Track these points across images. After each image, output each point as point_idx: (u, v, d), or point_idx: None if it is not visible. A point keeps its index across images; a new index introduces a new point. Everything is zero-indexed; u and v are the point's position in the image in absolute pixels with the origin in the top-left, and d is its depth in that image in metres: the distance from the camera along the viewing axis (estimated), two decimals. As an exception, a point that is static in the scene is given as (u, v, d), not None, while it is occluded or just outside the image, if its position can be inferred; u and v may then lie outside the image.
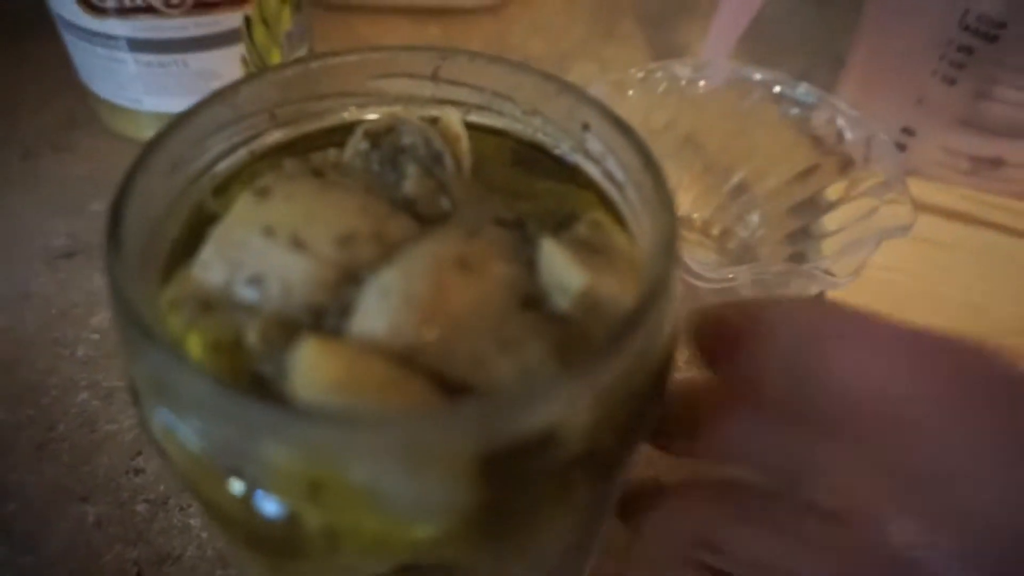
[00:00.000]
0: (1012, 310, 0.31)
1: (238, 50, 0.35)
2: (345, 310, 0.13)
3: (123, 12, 0.32)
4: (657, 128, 0.32)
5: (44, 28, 0.44)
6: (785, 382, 0.15)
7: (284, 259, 0.14)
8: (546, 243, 0.15)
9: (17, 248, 0.33)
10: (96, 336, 0.30)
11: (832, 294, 0.31)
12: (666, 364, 0.15)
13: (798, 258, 0.30)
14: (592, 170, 0.18)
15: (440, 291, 0.14)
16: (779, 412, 0.15)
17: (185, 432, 0.13)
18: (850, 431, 0.14)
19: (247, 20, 0.34)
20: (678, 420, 0.17)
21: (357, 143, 0.17)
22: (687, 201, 0.34)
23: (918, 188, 0.35)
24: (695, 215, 0.34)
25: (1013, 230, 0.34)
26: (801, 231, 0.31)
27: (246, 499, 0.13)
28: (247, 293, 0.14)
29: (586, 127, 0.18)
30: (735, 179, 0.33)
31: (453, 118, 0.18)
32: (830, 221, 0.29)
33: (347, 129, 0.18)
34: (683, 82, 0.31)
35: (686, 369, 0.17)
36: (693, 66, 0.32)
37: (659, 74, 0.31)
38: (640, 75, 0.31)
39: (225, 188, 0.17)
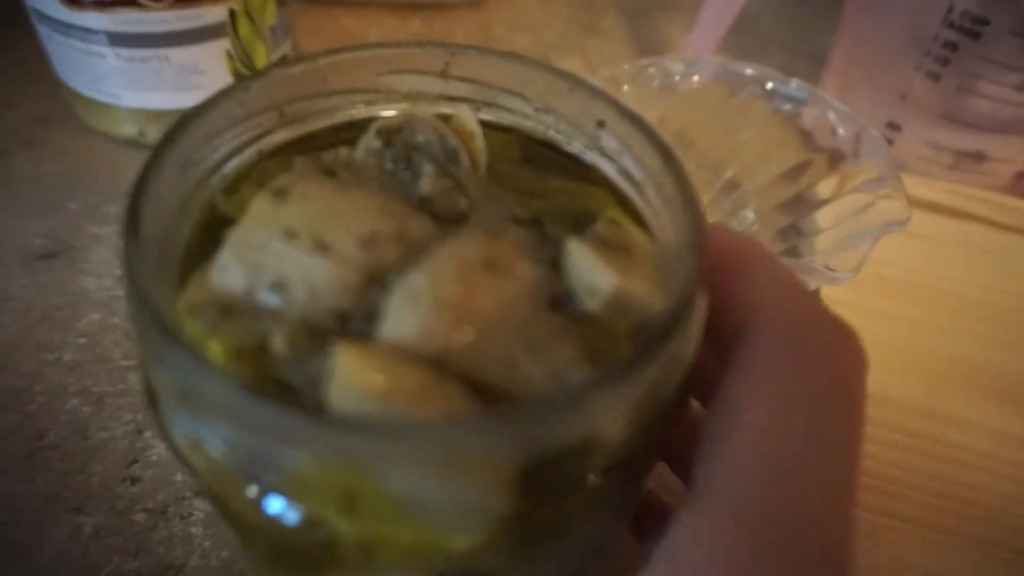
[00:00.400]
0: (999, 300, 0.31)
1: (222, 44, 0.34)
2: (371, 314, 0.13)
3: (103, 5, 0.31)
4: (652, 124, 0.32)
5: (10, 19, 0.42)
6: None
7: (308, 262, 0.13)
8: (572, 244, 0.15)
9: (-7, 250, 0.32)
10: (83, 340, 0.29)
11: (827, 289, 0.32)
12: (692, 369, 0.15)
13: (791, 253, 0.30)
14: (607, 168, 0.18)
15: (469, 293, 0.14)
16: None
17: (212, 441, 0.13)
18: None
19: (232, 14, 0.33)
20: None
21: (370, 141, 0.17)
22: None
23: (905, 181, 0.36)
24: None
25: (996, 223, 0.34)
26: (792, 227, 0.31)
27: (276, 510, 0.13)
28: (270, 298, 0.13)
29: (601, 124, 0.18)
30: (726, 175, 0.33)
31: (467, 115, 0.18)
32: (823, 217, 0.29)
33: (357, 127, 0.18)
34: (676, 78, 0.31)
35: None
36: (685, 62, 0.32)
37: (652, 69, 0.31)
38: (633, 71, 0.31)
39: (235, 188, 0.17)
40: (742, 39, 0.46)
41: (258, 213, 0.15)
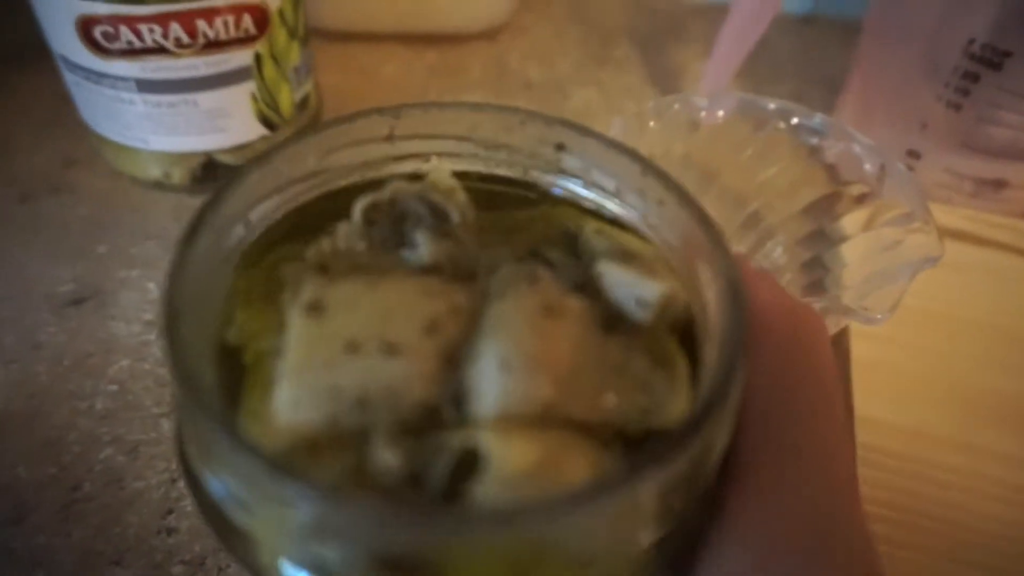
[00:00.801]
0: (1021, 327, 0.31)
1: (247, 87, 0.34)
2: (458, 397, 0.13)
3: (132, 53, 0.31)
4: (675, 159, 0.32)
5: (33, 62, 0.43)
6: None
7: (384, 368, 0.13)
8: (606, 265, 0.16)
9: (22, 296, 0.32)
10: (114, 387, 0.29)
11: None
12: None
13: (816, 286, 0.30)
14: (572, 185, 0.19)
15: (547, 344, 0.14)
16: None
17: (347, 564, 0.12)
18: None
19: (258, 57, 0.34)
20: None
21: (357, 223, 0.16)
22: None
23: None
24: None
25: (1017, 249, 0.34)
26: (817, 260, 0.32)
27: None
28: (355, 417, 0.13)
29: (560, 147, 0.18)
30: (750, 208, 0.33)
31: (442, 172, 0.18)
32: (850, 252, 0.29)
33: (315, 213, 0.17)
34: (701, 113, 0.32)
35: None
36: (709, 97, 0.32)
37: (677, 106, 0.32)
38: (658, 107, 0.32)
39: (229, 315, 0.16)
40: (754, 65, 0.46)
41: (305, 336, 0.14)
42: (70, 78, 0.34)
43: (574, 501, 0.11)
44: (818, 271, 0.31)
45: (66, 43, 0.31)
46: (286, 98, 0.36)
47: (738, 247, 0.34)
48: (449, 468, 0.12)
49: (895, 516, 0.25)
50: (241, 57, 0.33)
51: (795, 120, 0.31)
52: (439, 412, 0.13)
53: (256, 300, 0.16)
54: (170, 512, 0.26)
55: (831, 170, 0.31)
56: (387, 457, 0.12)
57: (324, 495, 0.11)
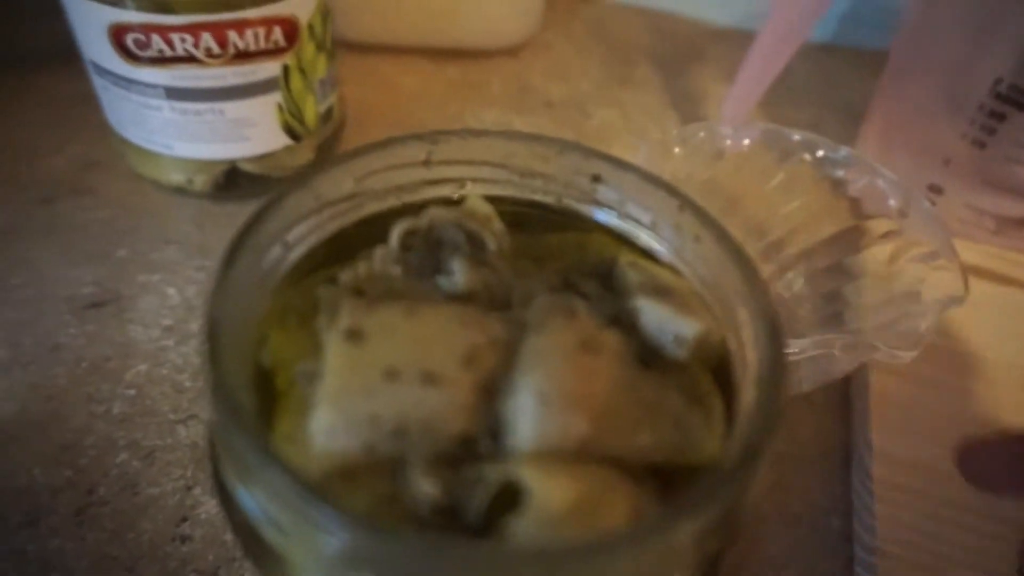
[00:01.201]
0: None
1: (273, 98, 0.34)
2: (495, 430, 0.13)
3: (162, 61, 0.31)
4: (698, 185, 0.32)
5: (56, 66, 0.43)
6: None
7: (422, 397, 0.13)
8: (643, 302, 0.16)
9: (42, 298, 0.32)
10: (131, 392, 0.29)
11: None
12: None
13: (835, 320, 0.30)
14: (603, 216, 0.19)
15: (584, 379, 0.14)
16: None
17: None
18: None
19: (285, 69, 0.34)
20: None
21: (393, 248, 0.17)
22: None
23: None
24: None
25: (1039, 288, 0.34)
26: (835, 293, 0.32)
27: None
28: (392, 446, 0.13)
29: (596, 179, 0.18)
30: (771, 237, 0.33)
31: (478, 199, 0.18)
32: (872, 287, 0.29)
33: (350, 237, 0.17)
34: (727, 141, 0.32)
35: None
36: (735, 127, 0.32)
37: (702, 134, 0.32)
38: (683, 135, 0.32)
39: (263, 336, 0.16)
40: (774, 91, 0.46)
41: (343, 362, 0.14)
42: (99, 83, 0.34)
43: (617, 543, 0.11)
44: (837, 304, 0.31)
45: (97, 49, 0.32)
46: (311, 109, 0.36)
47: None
48: (487, 501, 0.12)
49: (910, 556, 0.25)
50: (269, 68, 0.33)
51: (820, 152, 0.31)
52: (475, 444, 0.13)
53: (291, 322, 0.16)
54: (184, 520, 0.26)
55: (855, 204, 0.31)
56: (425, 487, 0.12)
57: (363, 524, 0.11)
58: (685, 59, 0.53)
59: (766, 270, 0.33)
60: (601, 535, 0.11)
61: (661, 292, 0.16)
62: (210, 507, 0.26)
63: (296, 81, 0.35)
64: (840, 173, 0.31)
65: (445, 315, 0.15)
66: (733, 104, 0.42)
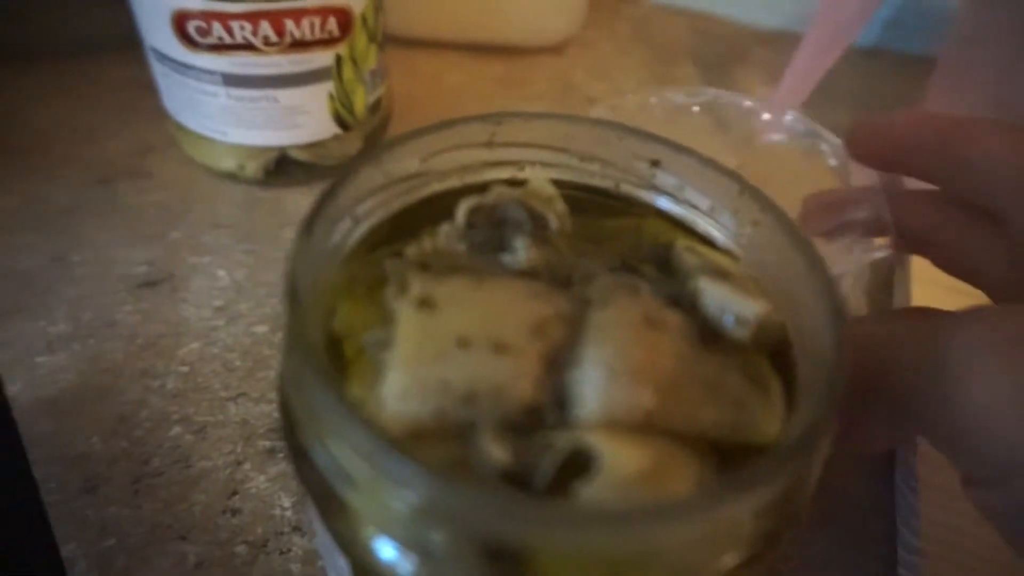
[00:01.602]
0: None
1: (325, 87, 0.35)
2: (561, 401, 0.14)
3: (221, 48, 0.32)
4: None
5: (118, 53, 0.44)
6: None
7: (492, 365, 0.13)
8: (705, 283, 0.16)
9: (100, 275, 0.33)
10: (185, 369, 0.30)
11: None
12: None
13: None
14: (661, 201, 0.19)
15: (650, 354, 0.14)
16: None
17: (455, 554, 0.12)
18: None
19: (338, 59, 0.34)
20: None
21: (459, 225, 0.17)
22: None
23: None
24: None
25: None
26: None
27: None
28: (463, 411, 0.13)
29: (655, 163, 0.19)
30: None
31: (542, 179, 0.18)
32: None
33: (413, 214, 0.18)
34: (677, 108, 0.32)
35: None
36: (687, 92, 0.33)
37: (653, 99, 0.32)
38: (635, 101, 0.32)
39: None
40: (815, 94, 0.46)
41: (416, 329, 0.14)
42: (158, 69, 0.35)
43: (688, 508, 0.11)
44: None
45: (159, 35, 0.33)
46: (360, 100, 0.37)
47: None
48: (555, 467, 0.13)
49: (954, 557, 0.25)
50: (323, 58, 0.34)
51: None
52: (542, 413, 0.14)
53: (359, 293, 0.16)
54: (235, 493, 0.26)
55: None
56: (494, 452, 0.13)
57: (444, 478, 0.11)
58: (728, 61, 0.53)
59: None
60: (674, 500, 0.11)
61: (721, 275, 0.16)
62: (259, 482, 0.27)
63: (348, 71, 0.35)
64: (784, 136, 0.32)
65: (513, 287, 0.15)
66: (776, 107, 0.42)
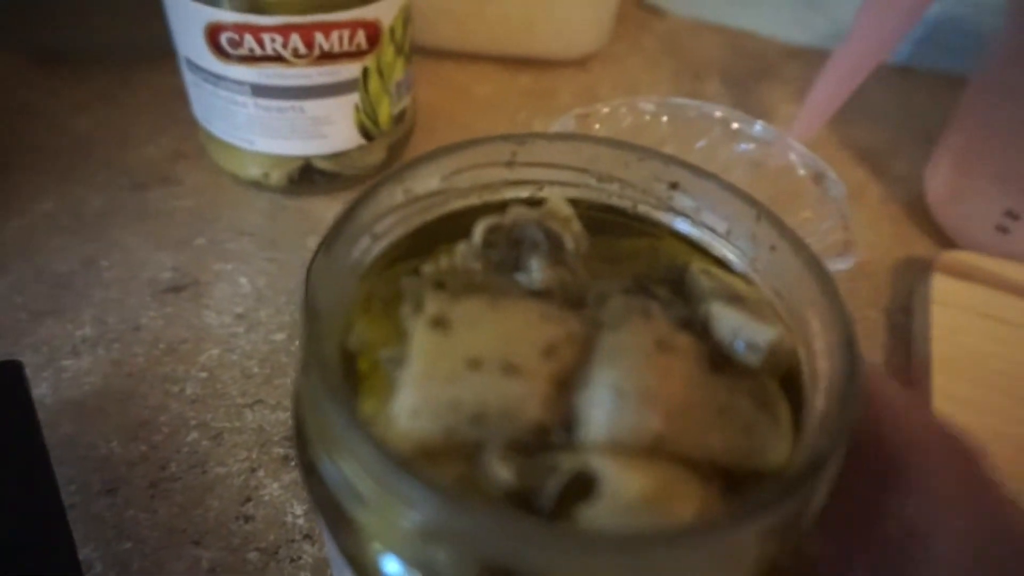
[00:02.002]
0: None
1: (351, 99, 0.35)
2: (568, 422, 0.13)
3: (252, 60, 0.33)
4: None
5: (152, 62, 0.45)
6: None
7: (502, 386, 0.13)
8: (718, 308, 0.16)
9: (128, 279, 0.34)
10: (204, 375, 0.30)
11: (938, 377, 0.31)
12: None
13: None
14: (678, 223, 0.19)
15: (660, 378, 0.14)
16: None
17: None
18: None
19: (365, 71, 0.35)
20: None
21: (476, 243, 0.17)
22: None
23: (1018, 272, 0.35)
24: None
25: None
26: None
27: None
28: (471, 431, 0.13)
29: (674, 186, 0.18)
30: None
31: (559, 201, 0.18)
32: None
33: (432, 232, 0.18)
34: (647, 117, 0.32)
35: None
36: (656, 102, 0.33)
37: (623, 109, 0.32)
38: (606, 110, 0.32)
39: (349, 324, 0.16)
40: (847, 112, 0.45)
41: (429, 348, 0.14)
42: (190, 78, 0.36)
43: (691, 534, 0.11)
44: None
45: (193, 46, 0.33)
46: (385, 111, 0.37)
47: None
48: (560, 488, 0.13)
49: None
50: (350, 69, 0.34)
51: (736, 126, 0.32)
52: (549, 434, 0.14)
53: (375, 309, 0.16)
54: (248, 500, 0.27)
55: (772, 176, 0.31)
56: (501, 471, 0.13)
57: (449, 498, 0.11)
58: (757, 76, 0.53)
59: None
60: (676, 525, 0.11)
61: (735, 299, 0.16)
62: (273, 489, 0.27)
63: (374, 83, 0.36)
64: (755, 147, 0.31)
65: (526, 309, 0.15)
66: (804, 123, 0.42)
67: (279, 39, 0.32)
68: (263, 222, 0.38)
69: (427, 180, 0.18)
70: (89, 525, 0.25)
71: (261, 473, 0.27)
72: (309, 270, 0.15)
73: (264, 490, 0.27)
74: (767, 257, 0.17)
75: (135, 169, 0.40)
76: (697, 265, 0.18)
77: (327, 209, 0.38)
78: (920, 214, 0.42)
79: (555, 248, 0.17)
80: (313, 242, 0.36)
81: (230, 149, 0.37)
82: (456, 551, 0.12)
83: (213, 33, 0.32)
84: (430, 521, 0.12)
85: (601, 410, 0.13)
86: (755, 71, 0.53)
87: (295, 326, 0.32)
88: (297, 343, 0.32)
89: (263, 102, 0.34)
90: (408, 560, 0.13)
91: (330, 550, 0.17)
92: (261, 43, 0.32)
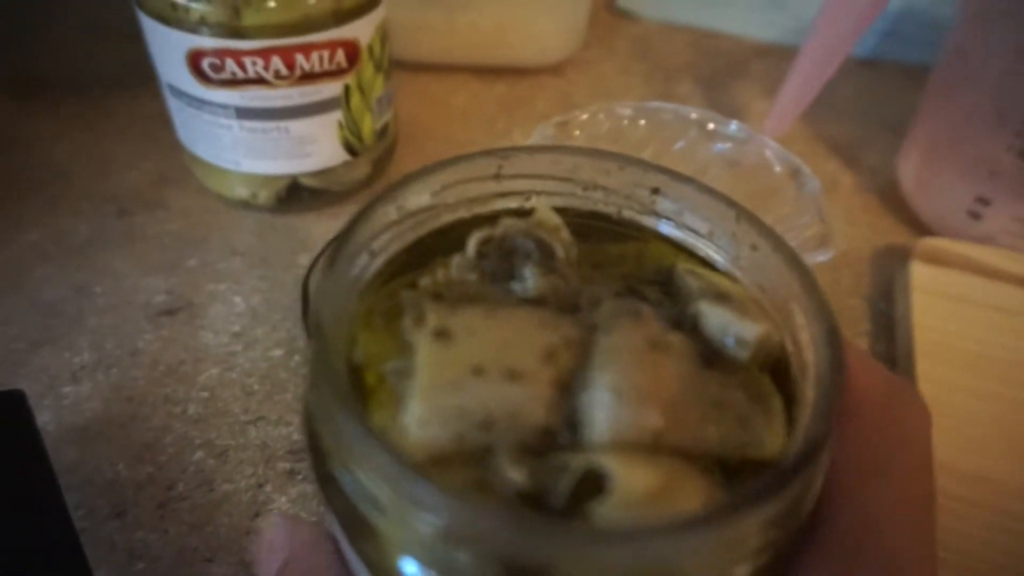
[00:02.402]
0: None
1: (334, 116, 0.36)
2: (571, 423, 0.14)
3: (234, 83, 0.33)
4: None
5: (134, 87, 0.46)
6: None
7: (506, 392, 0.14)
8: (705, 305, 0.17)
9: (122, 305, 0.34)
10: (205, 394, 0.31)
11: (921, 362, 0.32)
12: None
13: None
14: (662, 227, 0.20)
15: (655, 377, 0.15)
16: None
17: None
18: None
19: (346, 89, 0.36)
20: None
21: (470, 256, 0.18)
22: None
23: (992, 256, 0.36)
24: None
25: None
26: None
27: None
28: (480, 437, 0.14)
29: (655, 191, 0.19)
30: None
31: (548, 211, 0.19)
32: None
33: (426, 246, 0.19)
34: (624, 122, 0.33)
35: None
36: (634, 107, 0.34)
37: (601, 115, 0.33)
38: (584, 116, 0.33)
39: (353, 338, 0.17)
40: (815, 107, 0.47)
41: (434, 359, 0.15)
42: (174, 104, 0.36)
43: (704, 523, 0.12)
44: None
45: (175, 72, 0.34)
46: (368, 126, 0.38)
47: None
48: (571, 487, 0.13)
49: (965, 564, 0.25)
50: (331, 88, 0.35)
51: (712, 127, 0.33)
52: (555, 436, 0.14)
53: (377, 324, 0.17)
54: (257, 515, 0.27)
55: (747, 174, 0.32)
56: (512, 474, 0.14)
57: (468, 502, 0.12)
58: (727, 75, 0.54)
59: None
60: (689, 516, 0.12)
61: (721, 297, 0.17)
62: (280, 503, 0.28)
63: (356, 100, 0.36)
64: (731, 146, 0.32)
65: (523, 316, 0.16)
66: (776, 119, 0.43)
67: (260, 62, 0.33)
68: (253, 241, 0.38)
69: (418, 197, 0.18)
70: (100, 549, 0.26)
71: (268, 488, 0.28)
72: (305, 287, 0.16)
73: (272, 504, 0.28)
74: (749, 255, 0.18)
75: (120, 195, 0.40)
76: (683, 266, 0.19)
77: (315, 225, 0.39)
78: (895, 203, 0.43)
79: (546, 256, 0.18)
80: (304, 259, 0.37)
81: (217, 171, 0.38)
82: (474, 552, 0.13)
83: (195, 59, 0.33)
84: (448, 524, 0.12)
85: (602, 410, 0.14)
86: (725, 70, 0.55)
87: (292, 342, 0.33)
88: (296, 358, 0.32)
89: (248, 124, 0.35)
90: (427, 563, 0.14)
91: (349, 558, 0.18)
92: (243, 67, 0.33)
